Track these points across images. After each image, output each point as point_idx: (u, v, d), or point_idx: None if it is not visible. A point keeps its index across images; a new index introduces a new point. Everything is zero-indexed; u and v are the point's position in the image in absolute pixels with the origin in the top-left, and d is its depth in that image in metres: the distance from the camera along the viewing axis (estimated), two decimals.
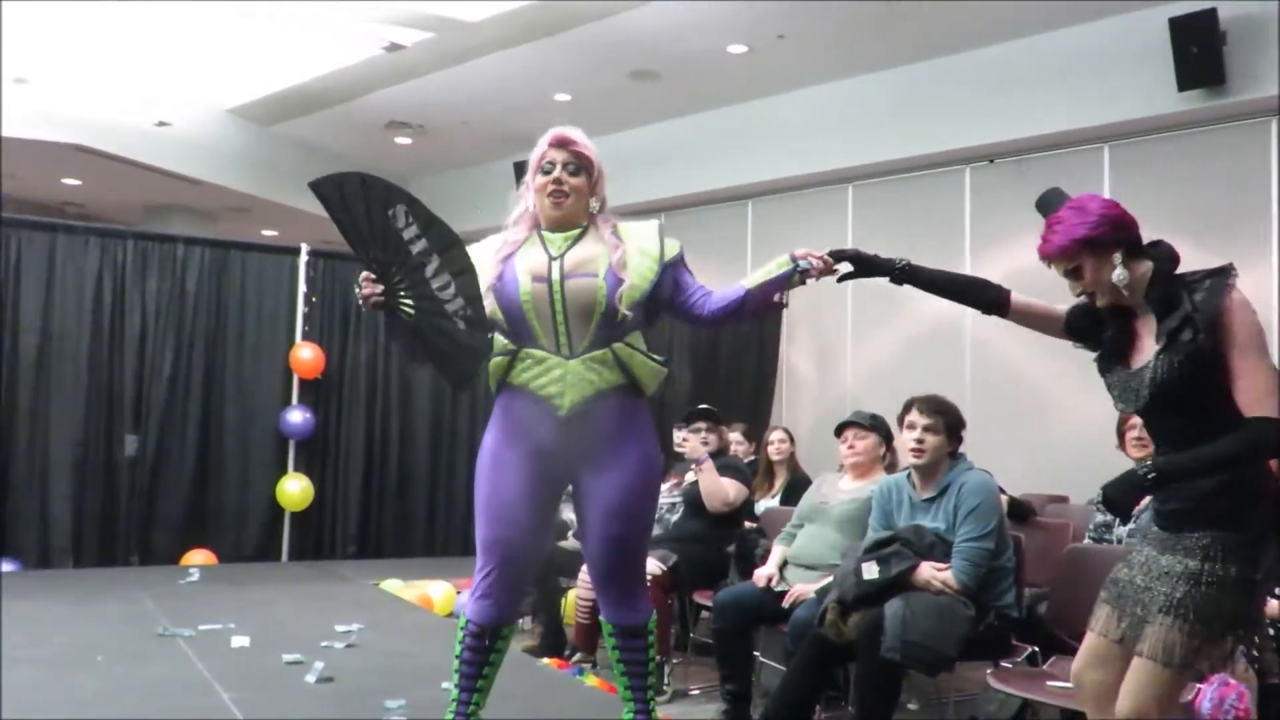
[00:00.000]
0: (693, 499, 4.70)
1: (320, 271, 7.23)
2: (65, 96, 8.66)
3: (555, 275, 2.47)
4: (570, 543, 5.09)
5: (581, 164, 2.57)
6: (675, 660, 4.57)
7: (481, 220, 10.96)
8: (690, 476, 4.81)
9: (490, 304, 2.46)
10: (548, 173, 2.56)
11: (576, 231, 2.57)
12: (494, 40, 7.85)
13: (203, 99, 9.41)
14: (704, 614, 5.11)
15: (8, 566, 5.91)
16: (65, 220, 6.91)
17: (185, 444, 6.62)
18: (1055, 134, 7.17)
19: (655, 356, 2.57)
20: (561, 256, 2.51)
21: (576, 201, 2.56)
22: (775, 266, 2.54)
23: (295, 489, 6.86)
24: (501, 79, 8.57)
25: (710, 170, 9.12)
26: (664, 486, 4.94)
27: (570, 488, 2.65)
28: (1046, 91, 7.13)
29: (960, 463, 3.52)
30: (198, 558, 6.45)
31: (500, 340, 2.52)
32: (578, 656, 4.63)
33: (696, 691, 4.50)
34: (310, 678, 3.64)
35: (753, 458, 5.96)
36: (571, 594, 5.08)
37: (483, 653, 2.61)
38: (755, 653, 4.13)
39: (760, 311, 2.59)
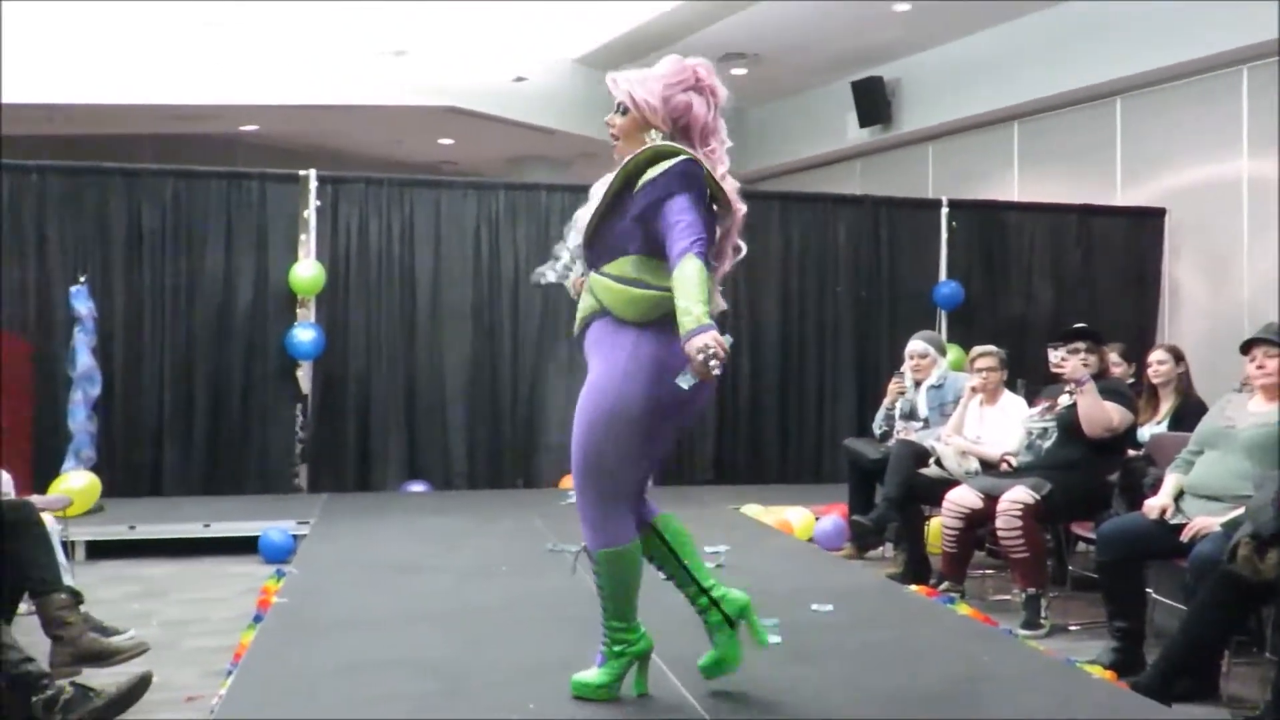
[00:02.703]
0: (1068, 424, 4.39)
1: None
2: (436, 64, 9.51)
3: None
4: (932, 470, 4.96)
5: (622, 104, 2.62)
6: (1053, 594, 4.34)
7: (821, 146, 10.92)
8: (1064, 400, 4.50)
9: None
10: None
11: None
12: None
13: (552, 52, 9.97)
14: (1080, 546, 4.83)
15: (420, 487, 6.72)
16: (446, 177, 7.61)
17: (557, 376, 7.14)
18: None
19: (642, 282, 2.51)
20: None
21: (626, 141, 2.62)
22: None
23: None
24: None
25: (1069, 69, 8.34)
26: (1034, 410, 4.67)
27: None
28: None
29: None
30: None
31: None
32: (945, 585, 4.52)
33: (1077, 627, 4.26)
34: None
35: (1131, 380, 5.48)
36: (935, 522, 4.97)
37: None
38: (1148, 589, 3.82)
39: None
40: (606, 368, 2.53)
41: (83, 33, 8.27)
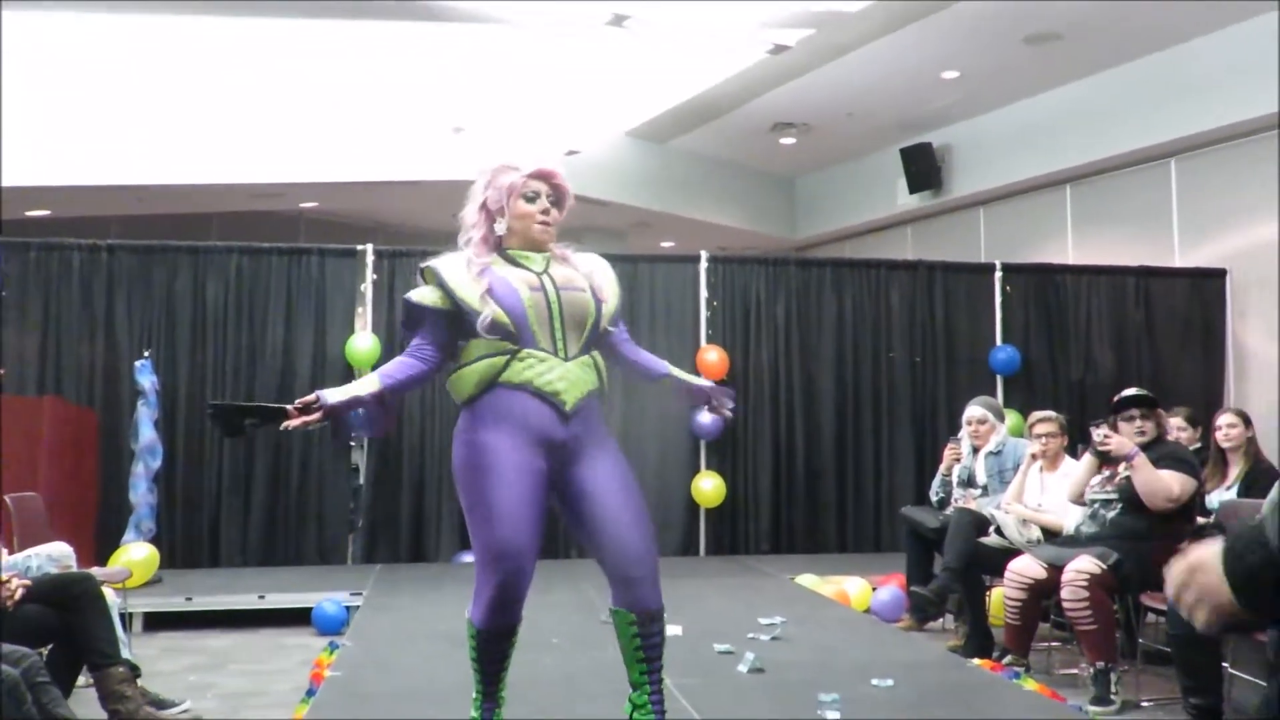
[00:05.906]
0: (1130, 494, 4.27)
1: (720, 277, 7.50)
2: (492, 140, 9.72)
3: (549, 287, 2.67)
4: (993, 539, 4.84)
5: (561, 198, 2.75)
6: (1123, 668, 4.18)
7: (871, 212, 10.91)
8: (1124, 469, 4.38)
9: (491, 308, 2.59)
10: (531, 200, 2.70)
11: (547, 255, 2.75)
12: (876, 27, 7.71)
13: (605, 125, 10.15)
14: (1150, 618, 4.66)
15: (472, 558, 6.71)
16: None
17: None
18: None
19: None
20: (547, 272, 2.70)
21: (554, 231, 2.76)
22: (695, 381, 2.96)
23: (709, 487, 7.16)
24: (885, 66, 8.40)
25: (1122, 132, 8.31)
26: (1095, 480, 4.55)
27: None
28: None
29: None
30: None
31: (490, 343, 2.61)
32: (1009, 658, 4.38)
33: (1149, 703, 4.10)
34: (742, 668, 3.77)
35: (1197, 445, 5.33)
36: (997, 592, 4.83)
37: (504, 654, 2.75)
38: (1224, 664, 3.67)
39: (670, 391, 2.93)
40: (613, 443, 2.78)
41: (164, 116, 8.62)
